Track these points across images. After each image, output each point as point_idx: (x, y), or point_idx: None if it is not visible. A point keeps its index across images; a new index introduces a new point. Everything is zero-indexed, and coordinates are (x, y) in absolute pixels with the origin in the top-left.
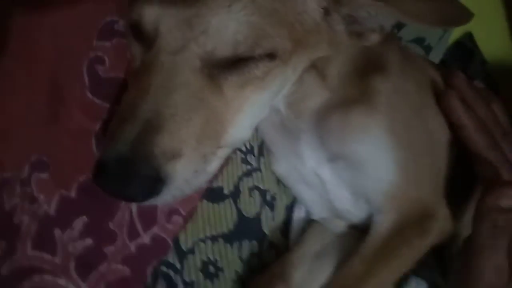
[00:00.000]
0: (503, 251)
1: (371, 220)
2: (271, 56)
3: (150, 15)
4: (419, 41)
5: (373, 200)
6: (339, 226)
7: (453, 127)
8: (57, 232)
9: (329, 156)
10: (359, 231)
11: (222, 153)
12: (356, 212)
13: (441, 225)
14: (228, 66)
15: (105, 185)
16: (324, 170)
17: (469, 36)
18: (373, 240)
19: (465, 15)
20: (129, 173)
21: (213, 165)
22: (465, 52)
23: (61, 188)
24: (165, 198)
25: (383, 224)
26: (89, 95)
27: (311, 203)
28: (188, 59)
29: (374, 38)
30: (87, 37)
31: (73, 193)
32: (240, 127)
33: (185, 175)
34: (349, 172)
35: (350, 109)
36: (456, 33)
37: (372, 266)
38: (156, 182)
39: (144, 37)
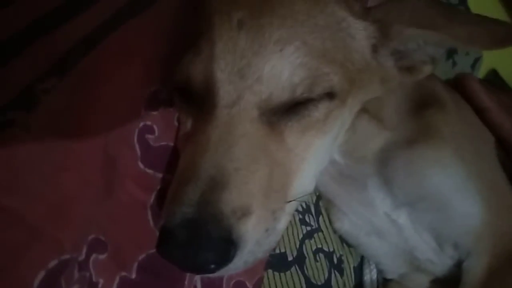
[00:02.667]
0: None
1: (459, 267)
2: (330, 95)
3: (198, 73)
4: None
5: (461, 242)
6: (421, 282)
7: (476, 112)
8: None
9: (403, 198)
10: (445, 285)
11: (290, 208)
12: (439, 261)
13: None
14: (287, 112)
15: (173, 254)
16: (400, 214)
17: (493, 72)
18: None
19: None
20: (199, 236)
21: (282, 223)
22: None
23: (121, 269)
24: (237, 265)
25: (477, 269)
26: (141, 165)
27: (385, 258)
28: (244, 110)
29: (427, 70)
30: (135, 107)
31: (133, 274)
32: (305, 178)
33: (257, 235)
34: (430, 213)
35: (417, 145)
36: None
37: None
38: (229, 245)
39: (193, 98)
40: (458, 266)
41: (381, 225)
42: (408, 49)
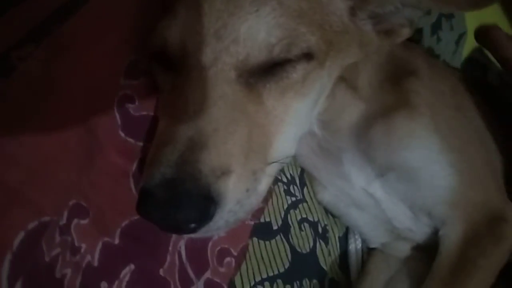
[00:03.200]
0: None
1: (437, 236)
2: (308, 56)
3: (174, 36)
4: (434, 57)
5: (435, 211)
6: (402, 250)
7: (501, 63)
8: (103, 285)
9: (378, 170)
10: (426, 251)
11: (271, 170)
12: (418, 230)
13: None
14: (265, 73)
15: (153, 214)
16: (376, 187)
17: (479, 50)
18: (445, 258)
19: None
20: (178, 194)
21: (263, 184)
22: (478, 66)
23: (103, 235)
24: (218, 224)
25: (451, 237)
26: (121, 134)
27: (367, 228)
28: (222, 71)
29: (405, 33)
30: (114, 76)
31: (116, 240)
32: (285, 140)
33: (237, 194)
34: (403, 184)
35: (391, 116)
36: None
37: (452, 287)
38: (208, 202)
39: (171, 63)
40: (436, 233)
41: (359, 198)
42: (386, 12)
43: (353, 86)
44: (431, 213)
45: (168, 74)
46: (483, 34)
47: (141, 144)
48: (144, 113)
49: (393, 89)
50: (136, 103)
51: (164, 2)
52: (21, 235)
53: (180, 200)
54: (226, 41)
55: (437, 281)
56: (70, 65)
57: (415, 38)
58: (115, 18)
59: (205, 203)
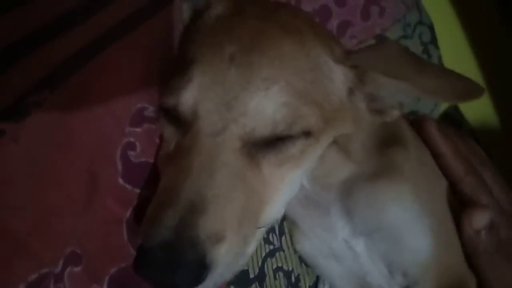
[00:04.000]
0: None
1: None
2: (306, 134)
3: (188, 99)
4: (413, 113)
5: (411, 271)
6: None
7: (433, 156)
8: None
9: (362, 228)
10: None
11: (259, 234)
12: (388, 287)
13: None
14: (266, 145)
15: (149, 274)
16: (358, 242)
17: (454, 107)
18: None
19: (478, 90)
20: (176, 258)
21: (252, 247)
22: (453, 122)
23: (92, 281)
24: (207, 285)
25: None
26: (120, 181)
27: (339, 280)
28: (228, 140)
29: (394, 114)
30: (120, 125)
31: (105, 287)
32: (276, 206)
33: (228, 259)
34: (385, 244)
35: (378, 179)
36: (443, 106)
37: None
38: (201, 268)
39: (180, 121)
40: None
41: (339, 250)
42: (380, 94)
43: (344, 150)
44: (406, 273)
45: (175, 129)
46: (418, 124)
47: (137, 190)
48: (144, 160)
49: (381, 155)
50: (138, 150)
51: (177, 59)
52: (21, 287)
53: (177, 264)
54: (235, 112)
55: None
56: (80, 113)
57: None
58: (128, 65)
59: (200, 269)
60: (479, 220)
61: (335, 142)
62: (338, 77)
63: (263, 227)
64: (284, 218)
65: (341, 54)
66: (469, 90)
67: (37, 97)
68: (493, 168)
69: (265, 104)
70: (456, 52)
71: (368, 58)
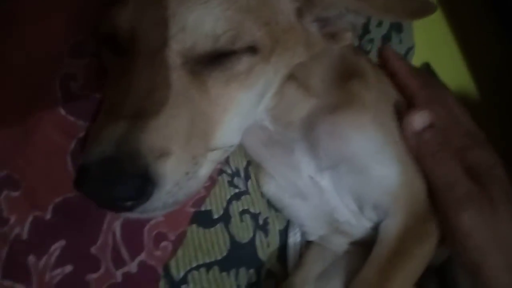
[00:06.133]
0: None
1: (375, 230)
2: (252, 50)
3: (125, 21)
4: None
5: (380, 202)
6: (339, 243)
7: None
8: (31, 258)
9: (327, 161)
10: (361, 247)
11: (213, 156)
12: (357, 223)
13: (437, 227)
14: (211, 62)
15: (89, 189)
16: (323, 177)
17: (426, 66)
18: (385, 246)
19: (429, 8)
20: (115, 172)
21: (204, 170)
22: None
23: (34, 209)
24: (155, 205)
25: (393, 227)
26: (62, 111)
27: (307, 219)
28: (168, 57)
29: (348, 37)
30: (58, 54)
31: (48, 215)
32: (228, 129)
33: (176, 176)
34: (352, 176)
35: (340, 110)
36: (414, 63)
37: (388, 273)
38: (145, 181)
39: (119, 48)
40: (374, 228)
41: (305, 187)
42: (331, 16)
43: (304, 85)
44: (376, 205)
45: (116, 58)
46: (380, 53)
47: (82, 123)
48: (88, 92)
49: (341, 88)
50: (81, 82)
51: None
52: None
53: (117, 177)
54: (174, 29)
55: (375, 267)
56: (13, 38)
57: (367, 49)
58: None
59: (142, 182)
60: (418, 121)
61: (294, 78)
62: None
63: (215, 149)
64: (250, 162)
65: None
66: (420, 7)
67: None
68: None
69: (204, 18)
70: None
71: None
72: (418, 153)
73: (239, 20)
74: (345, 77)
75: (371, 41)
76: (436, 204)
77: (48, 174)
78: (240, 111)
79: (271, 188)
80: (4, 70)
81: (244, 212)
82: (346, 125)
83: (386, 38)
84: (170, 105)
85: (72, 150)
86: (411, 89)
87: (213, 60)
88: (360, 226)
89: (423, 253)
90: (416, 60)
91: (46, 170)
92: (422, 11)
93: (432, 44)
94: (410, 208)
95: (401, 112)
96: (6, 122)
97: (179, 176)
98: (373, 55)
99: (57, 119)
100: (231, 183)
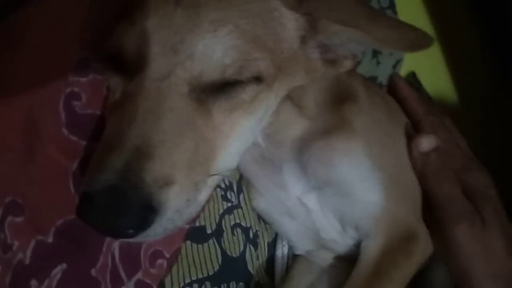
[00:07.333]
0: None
1: (359, 247)
2: (257, 79)
3: (131, 44)
4: (372, 79)
5: (361, 225)
6: (325, 259)
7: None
8: (33, 283)
9: (314, 183)
10: (346, 262)
11: (212, 182)
12: (342, 241)
13: (424, 245)
14: (216, 90)
15: (92, 218)
16: (310, 198)
17: (412, 75)
18: (364, 266)
19: (427, 40)
20: (120, 202)
21: (203, 195)
22: None
23: (37, 233)
24: (156, 232)
25: (372, 249)
26: (65, 131)
27: (295, 236)
28: (175, 84)
29: (347, 65)
30: (62, 72)
31: (50, 238)
32: (228, 154)
33: (178, 204)
34: (336, 198)
35: (330, 135)
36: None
37: None
38: (148, 211)
39: (124, 68)
40: (358, 246)
41: (293, 207)
42: (333, 44)
43: (298, 105)
44: (358, 226)
45: (120, 77)
46: (390, 81)
47: (84, 142)
48: (90, 111)
49: (335, 111)
50: (83, 100)
51: (123, 4)
52: None
53: (121, 207)
54: (182, 55)
55: (353, 286)
56: (17, 56)
57: (358, 60)
58: (70, 12)
59: (145, 212)
60: (425, 143)
61: (289, 97)
62: (291, 23)
63: (215, 175)
64: (242, 176)
65: (294, 0)
66: (418, 40)
67: None
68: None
69: (213, 47)
70: (414, 19)
71: (321, 6)
72: (422, 172)
73: (247, 51)
74: (338, 100)
75: (363, 52)
76: (433, 217)
77: (51, 196)
78: (241, 136)
79: (260, 204)
80: (7, 88)
81: (236, 225)
82: (335, 151)
83: (376, 51)
84: (175, 134)
85: (74, 171)
86: (418, 115)
87: (218, 89)
88: (344, 243)
89: (401, 275)
90: (403, 70)
91: (49, 192)
92: (420, 44)
93: (418, 55)
94: (391, 231)
95: (395, 133)
96: (8, 144)
97: (181, 204)
98: (365, 66)
99: (60, 140)
100: (224, 197)
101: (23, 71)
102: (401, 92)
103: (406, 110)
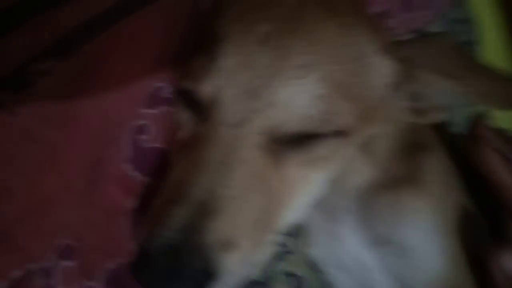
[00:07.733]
0: None
1: None
2: (339, 133)
3: (208, 83)
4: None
5: None
6: None
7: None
8: None
9: (375, 239)
10: None
11: (274, 239)
12: None
13: None
14: (292, 142)
15: (148, 279)
16: (368, 254)
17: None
18: None
19: None
20: (178, 267)
21: (264, 254)
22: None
23: (84, 277)
24: None
25: None
26: (126, 167)
27: None
28: (251, 133)
29: (438, 117)
30: (133, 105)
31: (99, 285)
32: (295, 209)
33: (237, 270)
34: (396, 258)
35: (400, 190)
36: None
37: None
38: (206, 277)
39: (199, 105)
40: None
41: (346, 261)
42: (425, 94)
43: (369, 151)
44: None
45: (192, 114)
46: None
47: (145, 178)
48: (156, 145)
49: (406, 161)
50: (150, 134)
51: (202, 36)
52: (3, 285)
53: (178, 271)
54: (262, 102)
55: None
56: (89, 89)
57: None
58: (146, 41)
59: (203, 278)
60: None
61: None
62: (384, 69)
63: (278, 231)
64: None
65: (388, 45)
66: None
67: (43, 66)
68: None
69: (299, 95)
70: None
71: (416, 51)
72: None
73: (335, 102)
74: (411, 148)
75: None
76: None
77: (105, 237)
78: (312, 192)
79: (315, 253)
80: (76, 128)
81: (287, 274)
82: (404, 208)
83: None
84: (245, 189)
85: (131, 209)
86: (508, 192)
87: (294, 141)
88: None
89: None
90: None
91: (103, 233)
92: None
93: None
94: None
95: None
96: (71, 189)
97: (240, 269)
98: None
99: (121, 177)
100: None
101: (93, 104)
102: (487, 153)
103: (486, 175)
